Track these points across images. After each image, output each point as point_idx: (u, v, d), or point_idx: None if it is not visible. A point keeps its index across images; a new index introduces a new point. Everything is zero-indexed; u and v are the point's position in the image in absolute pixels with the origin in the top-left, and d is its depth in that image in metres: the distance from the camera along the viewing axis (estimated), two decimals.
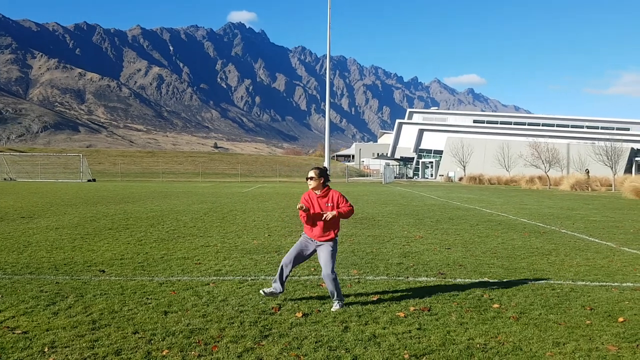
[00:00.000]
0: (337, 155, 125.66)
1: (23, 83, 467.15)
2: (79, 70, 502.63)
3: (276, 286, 6.02)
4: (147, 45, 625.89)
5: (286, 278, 6.05)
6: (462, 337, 4.89)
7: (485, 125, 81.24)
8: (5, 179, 51.92)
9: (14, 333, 4.85)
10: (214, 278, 7.33)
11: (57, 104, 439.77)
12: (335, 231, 6.01)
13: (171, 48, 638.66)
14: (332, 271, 5.82)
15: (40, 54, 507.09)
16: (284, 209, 19.10)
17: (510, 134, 74.00)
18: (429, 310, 5.72)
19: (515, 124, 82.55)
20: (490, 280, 7.30)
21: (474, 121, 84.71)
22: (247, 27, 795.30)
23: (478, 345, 4.68)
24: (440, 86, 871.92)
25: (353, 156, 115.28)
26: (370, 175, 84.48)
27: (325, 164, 59.19)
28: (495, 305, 5.98)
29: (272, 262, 8.49)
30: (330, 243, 5.93)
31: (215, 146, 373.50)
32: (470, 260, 8.80)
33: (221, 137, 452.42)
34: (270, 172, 78.53)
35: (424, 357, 4.38)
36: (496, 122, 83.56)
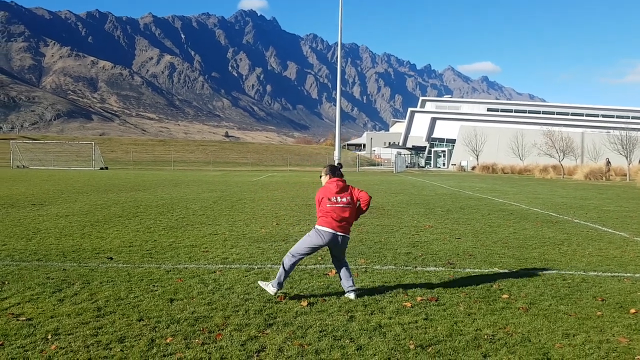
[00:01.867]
0: (348, 144, 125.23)
1: (36, 71, 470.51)
2: (92, 58, 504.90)
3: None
4: (159, 34, 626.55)
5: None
6: (469, 328, 4.80)
7: (499, 113, 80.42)
8: (18, 167, 52.44)
9: (18, 320, 4.85)
10: (221, 266, 7.30)
11: (70, 92, 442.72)
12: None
13: (183, 36, 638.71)
14: (294, 254, 5.79)
15: (53, 42, 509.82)
16: (293, 198, 19.06)
17: (524, 122, 73.19)
18: (436, 301, 5.64)
19: (530, 112, 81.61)
20: (501, 271, 7.19)
21: (488, 109, 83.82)
22: (259, 14, 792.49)
23: (486, 336, 4.60)
24: (454, 74, 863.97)
25: (364, 145, 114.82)
26: (381, 165, 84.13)
27: (336, 153, 59.04)
28: (505, 296, 5.88)
29: (279, 251, 8.44)
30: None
31: (226, 135, 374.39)
32: (481, 250, 8.68)
33: (232, 126, 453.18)
34: (280, 161, 78.54)
35: (430, 348, 4.31)
36: (510, 111, 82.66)
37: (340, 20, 57.16)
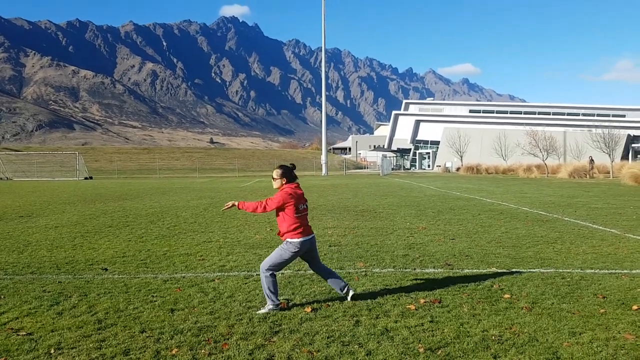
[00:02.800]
0: (334, 148, 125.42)
1: (17, 82, 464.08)
2: (73, 67, 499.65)
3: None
4: (140, 41, 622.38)
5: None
6: (476, 329, 4.80)
7: (481, 114, 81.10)
8: (1, 179, 51.61)
9: (18, 335, 4.74)
10: (219, 274, 7.23)
11: (51, 102, 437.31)
12: (283, 232, 5.56)
13: (164, 43, 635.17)
14: (267, 269, 5.50)
15: (33, 52, 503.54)
16: None
17: (506, 123, 73.89)
18: (439, 302, 5.63)
19: (512, 113, 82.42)
20: (499, 270, 7.21)
21: (470, 111, 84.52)
22: (241, 21, 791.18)
23: (493, 337, 4.60)
24: (435, 77, 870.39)
25: (349, 149, 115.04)
26: (367, 167, 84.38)
27: (323, 157, 59.10)
28: (507, 296, 5.90)
29: None
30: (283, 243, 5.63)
31: (211, 141, 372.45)
32: (476, 251, 8.72)
33: (217, 132, 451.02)
34: (267, 166, 78.24)
35: (440, 351, 4.30)
36: (492, 112, 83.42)
37: (323, 27, 57.39)
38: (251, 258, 8.37)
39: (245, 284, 6.65)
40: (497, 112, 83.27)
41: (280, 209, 5.51)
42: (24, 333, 4.79)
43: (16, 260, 8.28)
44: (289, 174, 5.65)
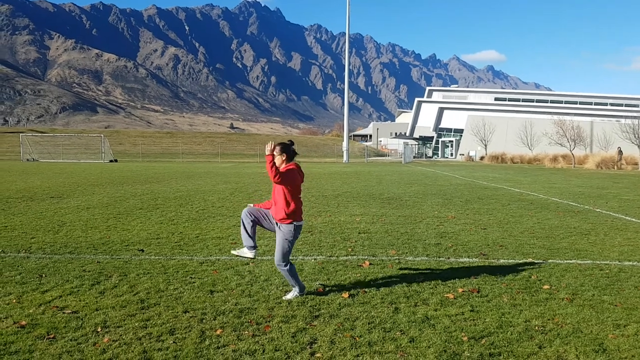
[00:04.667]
0: (354, 135, 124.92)
1: (41, 64, 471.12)
2: (96, 51, 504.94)
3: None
4: (163, 25, 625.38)
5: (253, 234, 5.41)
6: (518, 319, 4.77)
7: (507, 103, 79.84)
8: (28, 160, 52.61)
9: (64, 313, 4.85)
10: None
11: (75, 84, 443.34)
12: (288, 213, 5.11)
13: (187, 28, 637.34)
14: (282, 261, 5.22)
15: (58, 34, 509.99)
16: (308, 189, 19.00)
17: (532, 111, 72.73)
18: (478, 292, 5.60)
19: (538, 101, 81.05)
20: (535, 261, 7.14)
21: (496, 99, 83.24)
22: (263, 5, 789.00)
23: (536, 327, 4.56)
24: (459, 63, 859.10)
25: (370, 136, 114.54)
26: (388, 155, 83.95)
27: (344, 144, 58.94)
28: (546, 287, 5.84)
29: (307, 242, 8.42)
30: (283, 227, 5.19)
31: (232, 126, 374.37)
32: (510, 241, 8.63)
33: (237, 118, 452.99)
34: None
35: (484, 340, 4.28)
36: (518, 100, 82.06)
37: (347, 12, 56.90)
38: None
39: None
40: (523, 100, 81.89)
41: (285, 188, 5.09)
42: (69, 311, 4.89)
43: (53, 240, 8.45)
44: (288, 150, 5.21)
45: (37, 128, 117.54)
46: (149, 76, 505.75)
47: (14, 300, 5.19)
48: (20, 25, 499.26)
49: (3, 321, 4.59)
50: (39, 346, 4.05)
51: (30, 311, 4.87)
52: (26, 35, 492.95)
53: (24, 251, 7.56)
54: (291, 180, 5.10)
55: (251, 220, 5.41)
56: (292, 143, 5.36)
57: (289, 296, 5.36)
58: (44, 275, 6.18)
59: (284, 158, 5.19)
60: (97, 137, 61.22)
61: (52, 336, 4.26)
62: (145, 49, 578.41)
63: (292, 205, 5.15)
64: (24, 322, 4.55)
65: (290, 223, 5.21)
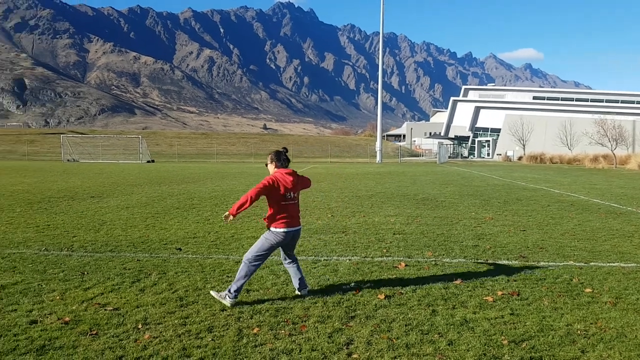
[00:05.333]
0: (387, 135, 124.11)
1: (81, 67, 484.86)
2: (134, 53, 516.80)
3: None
4: (198, 28, 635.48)
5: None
6: (559, 323, 4.65)
7: (545, 102, 77.97)
8: (68, 160, 54.22)
9: (105, 310, 4.97)
10: None
11: (113, 87, 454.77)
12: (267, 217, 5.28)
13: (221, 30, 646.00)
14: (250, 256, 5.25)
15: (97, 38, 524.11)
16: (341, 189, 19.00)
17: (572, 110, 70.85)
18: (518, 295, 5.48)
19: (577, 100, 78.89)
20: (576, 264, 6.94)
21: (534, 98, 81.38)
22: (296, 6, 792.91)
23: (579, 332, 4.44)
24: (495, 62, 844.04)
25: (404, 136, 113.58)
26: (422, 155, 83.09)
27: (378, 144, 58.66)
28: (588, 290, 5.67)
29: (342, 243, 8.40)
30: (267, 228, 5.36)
31: (265, 127, 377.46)
32: (550, 243, 8.42)
33: (270, 118, 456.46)
34: (320, 152, 78.54)
35: (524, 343, 4.18)
36: (557, 99, 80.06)
37: (382, 11, 56.65)
38: (316, 243, 8.42)
39: (314, 268, 6.70)
40: (562, 99, 79.87)
41: (267, 195, 5.19)
42: (111, 308, 5.01)
43: (94, 239, 8.68)
44: (277, 158, 5.34)
45: (77, 129, 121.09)
46: (184, 78, 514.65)
47: (58, 297, 5.35)
48: (60, 29, 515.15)
49: (47, 317, 4.74)
50: (82, 342, 4.16)
51: (74, 308, 5.02)
52: (66, 39, 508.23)
53: (66, 249, 7.79)
54: (257, 189, 5.12)
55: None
56: (285, 150, 5.46)
57: (215, 294, 5.23)
58: (86, 273, 6.35)
59: (274, 166, 5.35)
60: (135, 138, 62.62)
61: (94, 332, 4.37)
62: (181, 51, 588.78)
63: (270, 211, 5.26)
64: (67, 318, 4.69)
65: (268, 227, 5.30)
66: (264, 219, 5.36)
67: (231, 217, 5.14)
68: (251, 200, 5.07)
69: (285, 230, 5.24)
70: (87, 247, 8.01)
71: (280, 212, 5.20)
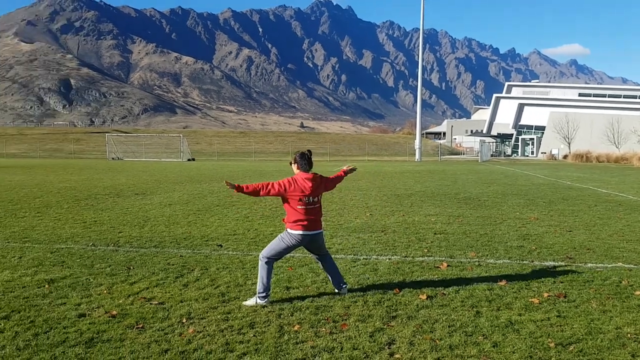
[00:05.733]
0: (427, 133, 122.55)
1: (124, 67, 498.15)
2: (175, 54, 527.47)
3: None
4: (237, 28, 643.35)
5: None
6: (608, 326, 4.49)
7: (591, 98, 75.39)
8: (113, 159, 55.83)
9: (151, 304, 5.09)
10: None
11: (155, 87, 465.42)
12: (285, 218, 5.32)
13: (260, 29, 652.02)
14: (265, 255, 5.25)
15: (140, 39, 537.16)
16: (380, 188, 18.88)
17: (619, 107, 68.30)
18: (565, 297, 5.32)
19: (625, 97, 75.99)
20: (625, 266, 6.69)
21: (580, 94, 78.83)
22: (335, 4, 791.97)
23: (629, 335, 4.28)
24: (539, 58, 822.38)
25: (444, 133, 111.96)
26: (463, 154, 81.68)
27: (417, 142, 58.05)
28: (638, 292, 5.47)
29: (381, 242, 8.35)
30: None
31: (301, 125, 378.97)
32: (598, 244, 8.14)
33: (307, 117, 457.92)
34: (357, 150, 78.28)
35: (572, 347, 4.06)
36: (604, 96, 77.31)
37: (422, 10, 55.98)
38: (355, 242, 8.39)
39: (354, 267, 6.68)
40: (609, 96, 77.06)
41: (283, 197, 5.21)
42: (156, 302, 5.13)
43: (139, 234, 8.90)
44: (300, 160, 5.26)
45: (121, 128, 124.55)
46: (223, 78, 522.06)
47: (105, 291, 5.51)
48: (105, 31, 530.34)
49: (95, 310, 4.89)
50: (129, 335, 4.27)
51: (120, 301, 5.16)
52: (110, 40, 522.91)
53: (112, 244, 8.02)
54: (277, 189, 5.17)
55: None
56: (309, 153, 5.37)
57: (249, 302, 5.11)
58: (131, 268, 6.53)
59: (296, 168, 5.32)
60: (177, 137, 63.93)
61: (140, 326, 4.48)
62: (220, 51, 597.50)
63: (287, 213, 5.28)
64: (114, 312, 4.82)
65: (286, 228, 5.29)
66: (283, 220, 5.38)
67: (234, 191, 5.27)
68: (264, 194, 5.20)
69: (301, 233, 5.18)
70: (133, 242, 8.22)
71: (297, 214, 5.17)
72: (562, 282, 5.87)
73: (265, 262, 5.22)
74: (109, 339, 4.18)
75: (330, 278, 5.52)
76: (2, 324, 4.50)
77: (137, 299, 5.26)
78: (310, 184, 5.19)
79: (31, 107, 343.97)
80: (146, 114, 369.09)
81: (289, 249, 5.29)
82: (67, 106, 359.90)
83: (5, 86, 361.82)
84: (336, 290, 5.50)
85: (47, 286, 5.68)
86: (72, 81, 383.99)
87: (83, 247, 7.83)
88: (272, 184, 5.21)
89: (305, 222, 5.17)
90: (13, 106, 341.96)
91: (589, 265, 6.76)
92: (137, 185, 19.04)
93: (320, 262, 5.55)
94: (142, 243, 8.16)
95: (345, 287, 5.51)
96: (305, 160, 5.27)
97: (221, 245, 7.94)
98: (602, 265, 6.75)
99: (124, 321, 4.59)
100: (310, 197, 5.19)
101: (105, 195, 15.24)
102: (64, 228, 9.51)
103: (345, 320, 4.67)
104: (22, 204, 12.95)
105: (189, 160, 53.82)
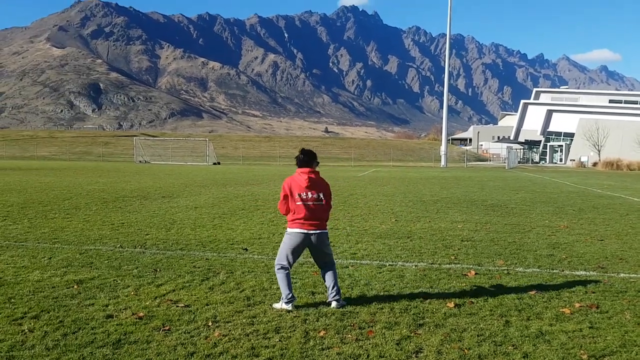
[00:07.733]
0: (453, 139, 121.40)
1: (152, 72, 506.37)
2: (202, 59, 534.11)
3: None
4: (263, 33, 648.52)
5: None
6: None
7: (622, 105, 73.72)
8: (140, 162, 56.70)
9: (177, 306, 5.11)
10: (351, 261, 7.27)
11: (182, 91, 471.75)
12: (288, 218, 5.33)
13: (286, 35, 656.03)
14: (277, 261, 5.25)
15: (167, 44, 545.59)
16: (405, 193, 18.75)
17: None
18: (597, 308, 5.17)
19: None
20: None
21: (610, 101, 77.12)
22: (360, 10, 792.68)
23: None
24: (569, 63, 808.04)
25: (470, 140, 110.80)
26: (490, 160, 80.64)
27: (443, 148, 57.54)
28: None
29: (406, 248, 8.26)
30: None
31: (326, 130, 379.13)
32: (631, 254, 7.91)
33: (332, 122, 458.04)
34: (382, 156, 77.98)
35: (605, 359, 3.93)
36: (635, 102, 75.50)
37: (449, 15, 55.64)
38: (381, 248, 8.32)
39: (380, 273, 6.61)
40: None
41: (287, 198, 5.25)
42: (182, 305, 5.15)
43: (165, 237, 8.99)
44: (298, 158, 5.30)
45: (149, 132, 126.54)
46: (249, 83, 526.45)
47: (132, 293, 5.56)
48: (134, 36, 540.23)
49: (123, 312, 4.93)
50: (155, 337, 4.29)
51: (147, 303, 5.19)
52: (139, 45, 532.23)
53: (140, 247, 8.11)
54: (287, 188, 5.25)
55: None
56: (308, 151, 5.38)
57: (277, 305, 5.11)
58: (158, 270, 6.58)
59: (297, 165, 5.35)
60: (203, 141, 64.64)
61: (167, 328, 4.50)
62: (247, 56, 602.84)
63: (289, 212, 5.26)
64: (141, 314, 4.86)
65: (286, 228, 5.32)
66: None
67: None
68: (282, 205, 5.27)
69: (298, 231, 5.13)
70: (159, 245, 8.30)
71: (295, 212, 5.15)
72: (594, 292, 5.71)
73: (278, 269, 5.20)
74: (136, 341, 4.21)
75: (327, 288, 5.30)
76: (32, 324, 4.57)
77: (163, 301, 5.29)
78: (305, 177, 5.18)
79: (61, 111, 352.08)
80: (173, 118, 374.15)
81: (293, 251, 5.19)
82: (97, 110, 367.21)
83: (36, 90, 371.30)
84: (327, 301, 5.26)
85: (75, 287, 5.76)
86: (102, 85, 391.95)
87: (111, 248, 7.94)
88: (279, 206, 5.34)
89: (304, 220, 5.11)
90: (44, 109, 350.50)
91: (622, 275, 6.56)
92: (163, 188, 19.28)
93: (321, 271, 5.38)
94: (168, 245, 8.23)
95: (340, 301, 5.20)
96: (301, 155, 5.31)
97: (247, 249, 7.96)
98: (635, 275, 6.55)
99: (151, 323, 4.62)
100: (309, 193, 5.14)
101: (132, 198, 15.46)
102: (93, 230, 9.67)
103: (372, 327, 4.61)
104: (52, 206, 13.22)
105: (214, 164, 54.32)
